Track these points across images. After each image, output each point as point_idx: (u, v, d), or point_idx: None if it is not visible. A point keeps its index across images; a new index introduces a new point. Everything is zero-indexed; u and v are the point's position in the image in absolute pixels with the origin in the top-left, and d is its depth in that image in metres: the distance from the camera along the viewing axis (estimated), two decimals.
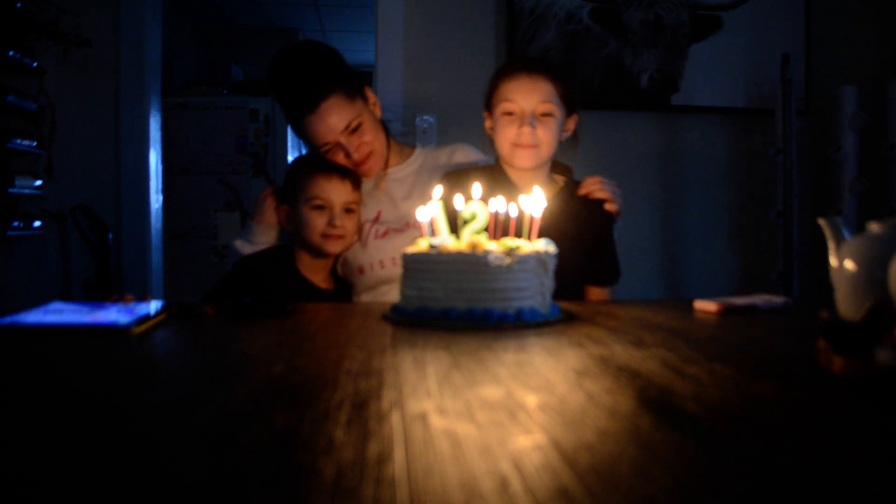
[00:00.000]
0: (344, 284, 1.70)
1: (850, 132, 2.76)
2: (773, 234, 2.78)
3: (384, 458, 0.46)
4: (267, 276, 1.60)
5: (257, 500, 0.40)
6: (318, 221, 1.59)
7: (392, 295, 1.52)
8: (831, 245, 0.84)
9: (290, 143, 4.35)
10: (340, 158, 1.65)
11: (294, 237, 1.66)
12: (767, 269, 2.80)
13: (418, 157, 1.80)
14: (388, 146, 1.77)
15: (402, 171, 1.77)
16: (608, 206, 1.66)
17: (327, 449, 0.48)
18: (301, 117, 1.61)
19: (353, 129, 1.63)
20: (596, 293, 1.68)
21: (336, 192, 1.60)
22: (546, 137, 1.56)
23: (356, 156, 1.65)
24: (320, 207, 1.60)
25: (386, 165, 1.77)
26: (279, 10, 5.21)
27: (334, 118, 1.60)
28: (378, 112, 1.74)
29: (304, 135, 1.66)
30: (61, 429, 0.56)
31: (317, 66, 1.64)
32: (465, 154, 1.80)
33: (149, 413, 0.61)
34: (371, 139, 1.67)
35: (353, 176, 1.63)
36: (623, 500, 0.40)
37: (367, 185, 1.75)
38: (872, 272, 0.77)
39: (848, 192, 2.77)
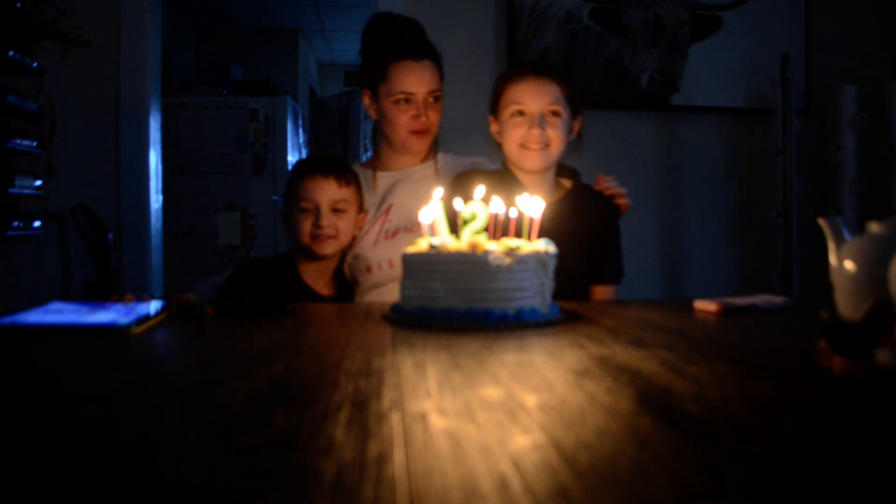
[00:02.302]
0: (344, 290, 1.70)
1: (850, 132, 2.77)
2: (773, 234, 2.78)
3: (384, 458, 0.46)
4: (268, 282, 1.59)
5: (257, 500, 0.40)
6: (306, 223, 1.59)
7: (397, 294, 1.53)
8: (831, 245, 0.84)
9: (289, 144, 4.34)
10: (407, 116, 1.69)
11: (293, 244, 1.66)
12: (767, 269, 2.80)
13: (440, 160, 1.82)
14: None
15: (423, 171, 1.79)
16: (621, 201, 1.70)
17: (327, 449, 0.48)
18: (400, 59, 1.68)
19: (434, 99, 1.71)
20: (601, 291, 1.69)
21: (320, 191, 1.59)
22: (555, 138, 1.57)
23: (424, 119, 1.70)
24: (307, 209, 1.59)
25: (429, 155, 1.81)
26: (279, 10, 5.21)
27: (430, 76, 1.70)
28: None
29: (384, 79, 1.70)
30: (61, 429, 0.56)
31: (428, 39, 1.77)
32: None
33: (149, 413, 0.61)
34: (437, 119, 1.74)
35: (338, 173, 1.63)
36: (622, 499, 0.40)
37: (384, 179, 1.78)
38: (872, 272, 0.77)
39: (848, 192, 2.77)
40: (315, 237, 1.58)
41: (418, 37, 1.75)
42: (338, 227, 1.60)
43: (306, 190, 1.59)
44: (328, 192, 1.60)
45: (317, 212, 1.58)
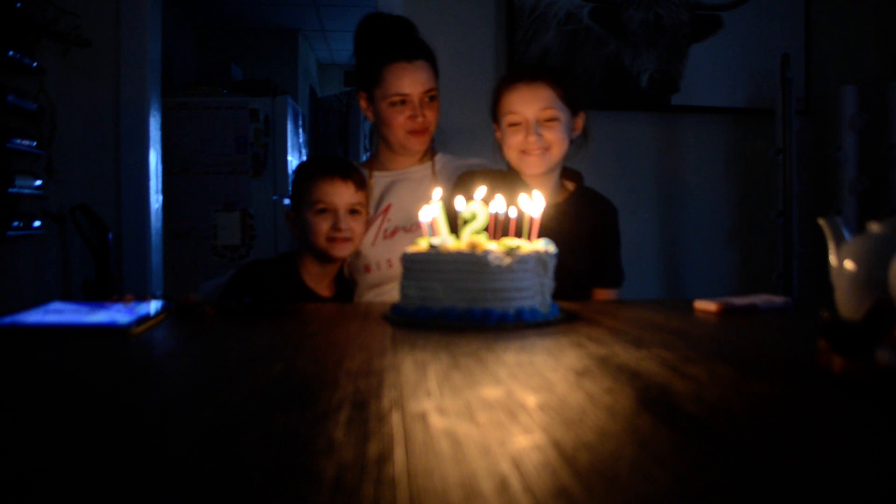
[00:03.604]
0: (344, 291, 1.70)
1: (850, 132, 2.77)
2: (773, 234, 2.78)
3: (384, 458, 0.46)
4: (269, 283, 1.59)
5: (257, 500, 0.40)
6: (323, 225, 1.58)
7: (396, 294, 1.55)
8: (831, 245, 0.84)
9: (289, 144, 4.34)
10: (403, 117, 1.70)
11: (301, 244, 1.66)
12: (767, 269, 2.80)
13: (438, 161, 1.83)
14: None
15: (421, 171, 1.79)
16: None
17: (327, 449, 0.48)
18: (393, 60, 1.68)
19: (429, 99, 1.72)
20: (603, 294, 1.69)
21: (339, 194, 1.59)
22: (554, 141, 1.57)
23: (420, 119, 1.70)
24: (324, 211, 1.59)
25: (427, 156, 1.82)
26: (279, 10, 5.21)
27: (424, 75, 1.71)
28: None
29: (379, 82, 1.70)
30: (61, 429, 0.56)
31: (420, 36, 1.77)
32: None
33: (149, 413, 0.61)
34: (433, 119, 1.74)
35: (355, 177, 1.64)
36: (623, 499, 0.40)
37: (384, 179, 1.78)
38: (872, 272, 0.77)
39: (848, 192, 2.77)
40: (332, 240, 1.59)
41: (410, 36, 1.75)
42: (354, 230, 1.60)
43: (324, 192, 1.59)
44: (346, 195, 1.60)
45: (335, 214, 1.59)
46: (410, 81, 1.68)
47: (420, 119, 1.70)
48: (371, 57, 1.73)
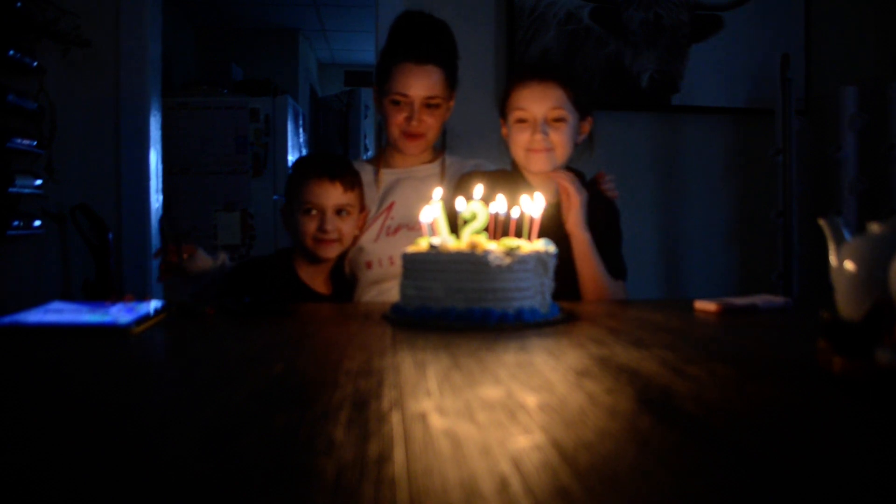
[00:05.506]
0: (342, 288, 1.70)
1: (850, 132, 2.76)
2: (773, 234, 2.78)
3: (384, 458, 0.46)
4: (266, 281, 1.59)
5: (257, 500, 0.40)
6: (310, 226, 1.58)
7: (396, 291, 1.55)
8: (831, 245, 0.84)
9: (290, 144, 4.34)
10: (401, 117, 1.70)
11: (294, 242, 1.66)
12: (767, 269, 2.80)
13: (445, 161, 1.82)
14: (433, 145, 1.82)
15: (427, 171, 1.80)
16: (611, 194, 1.73)
17: (327, 449, 0.48)
18: (403, 60, 1.68)
19: (431, 105, 1.70)
20: None
21: (326, 195, 1.59)
22: (559, 141, 1.58)
23: (415, 122, 1.69)
24: (311, 211, 1.59)
25: (436, 156, 1.82)
26: (279, 10, 5.21)
27: (428, 81, 1.69)
28: (447, 116, 1.80)
29: (387, 78, 1.70)
30: (61, 429, 0.56)
31: (445, 41, 1.75)
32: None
33: (149, 413, 0.61)
34: (434, 124, 1.73)
35: (345, 178, 1.63)
36: (623, 499, 0.40)
37: (389, 176, 1.79)
38: (872, 272, 0.77)
39: (848, 192, 2.77)
40: (319, 241, 1.58)
41: (431, 40, 1.72)
42: (341, 231, 1.60)
43: (312, 193, 1.58)
44: (334, 196, 1.59)
45: (321, 215, 1.58)
46: (413, 83, 1.68)
47: (415, 123, 1.69)
48: (388, 52, 1.73)
